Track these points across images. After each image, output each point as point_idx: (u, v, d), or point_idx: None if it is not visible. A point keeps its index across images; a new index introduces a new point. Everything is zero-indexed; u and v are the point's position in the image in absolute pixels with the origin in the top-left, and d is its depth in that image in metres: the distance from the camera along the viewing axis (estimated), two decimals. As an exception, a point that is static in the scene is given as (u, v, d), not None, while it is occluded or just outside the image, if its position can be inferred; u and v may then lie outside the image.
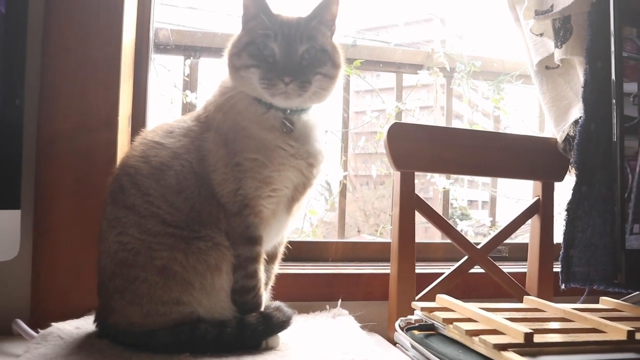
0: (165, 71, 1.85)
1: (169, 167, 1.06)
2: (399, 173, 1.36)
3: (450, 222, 1.50)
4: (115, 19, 1.39)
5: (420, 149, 1.39)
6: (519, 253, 1.73)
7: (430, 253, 1.74)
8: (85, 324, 1.15)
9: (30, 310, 1.30)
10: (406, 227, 1.35)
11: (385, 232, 2.15)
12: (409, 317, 1.19)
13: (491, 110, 2.18)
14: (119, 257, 1.04)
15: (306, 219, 1.94)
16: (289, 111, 1.11)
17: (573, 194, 1.39)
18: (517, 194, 2.06)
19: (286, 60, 1.05)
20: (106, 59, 1.37)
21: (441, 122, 2.14)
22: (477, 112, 2.25)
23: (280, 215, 1.13)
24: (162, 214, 1.04)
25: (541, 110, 2.11)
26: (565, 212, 1.39)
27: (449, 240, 1.48)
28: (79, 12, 1.36)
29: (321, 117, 1.17)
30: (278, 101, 1.08)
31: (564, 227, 1.38)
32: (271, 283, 1.22)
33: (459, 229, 2.05)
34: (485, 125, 2.28)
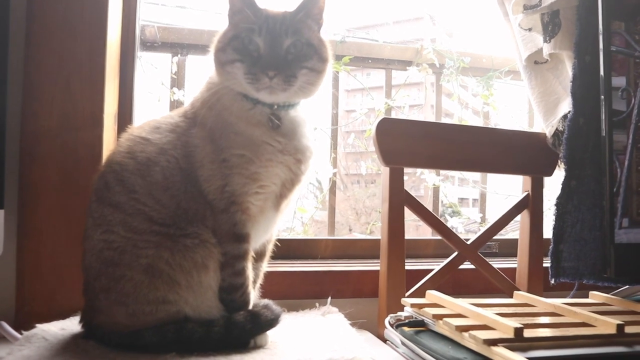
0: (152, 69, 1.83)
1: (155, 163, 1.05)
2: (387, 169, 1.35)
3: (441, 219, 1.49)
4: (99, 16, 1.37)
5: (409, 144, 1.38)
6: (508, 249, 1.74)
7: (420, 249, 1.74)
8: (71, 325, 1.14)
9: (15, 311, 1.28)
10: (395, 223, 1.35)
11: (375, 230, 2.15)
12: (399, 313, 1.18)
13: (480, 106, 2.18)
14: (104, 256, 1.02)
15: (297, 218, 1.94)
16: (276, 107, 1.09)
17: (562, 189, 1.38)
18: (507, 190, 2.06)
19: (270, 54, 1.04)
20: (91, 56, 1.36)
21: (431, 120, 2.14)
22: (466, 109, 2.24)
23: (268, 212, 1.11)
24: (148, 211, 1.02)
25: (530, 106, 2.12)
26: (555, 207, 1.38)
27: (439, 237, 1.47)
28: (63, 9, 1.34)
29: (309, 113, 1.15)
30: (263, 96, 1.06)
31: (554, 222, 1.38)
32: (260, 281, 1.21)
33: (449, 225, 2.05)
34: (475, 122, 2.27)
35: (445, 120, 2.18)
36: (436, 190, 2.03)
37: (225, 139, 1.06)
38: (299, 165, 1.11)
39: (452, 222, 2.15)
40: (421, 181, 2.12)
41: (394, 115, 1.99)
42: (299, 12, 1.09)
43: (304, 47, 1.07)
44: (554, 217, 1.38)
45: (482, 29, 2.33)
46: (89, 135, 1.34)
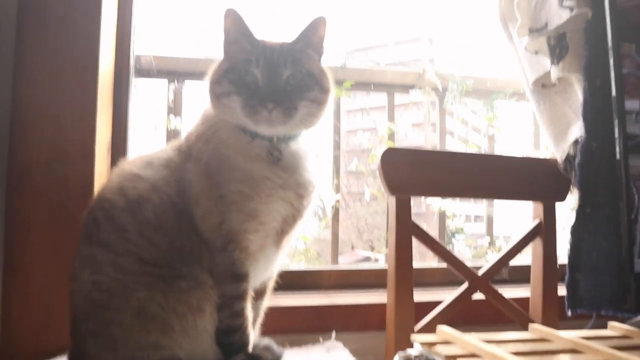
0: (148, 96, 1.79)
1: (147, 200, 0.99)
2: (394, 198, 1.29)
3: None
4: (91, 45, 1.34)
5: (415, 173, 1.33)
6: (519, 274, 1.67)
7: (427, 278, 1.67)
8: (58, 370, 1.07)
9: (0, 352, 1.21)
10: (403, 255, 1.28)
11: (378, 247, 2.09)
12: (408, 350, 1.10)
13: (483, 126, 2.14)
14: (93, 298, 0.96)
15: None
16: (275, 139, 1.03)
17: (577, 217, 1.32)
18: (515, 207, 2.00)
19: (269, 85, 0.98)
20: (82, 85, 1.32)
21: (432, 139, 2.10)
22: (469, 129, 2.21)
23: (269, 250, 1.05)
24: (139, 251, 0.96)
25: (536, 128, 2.09)
26: (570, 235, 1.32)
27: (445, 265, 1.40)
28: (54, 37, 1.31)
29: (311, 144, 1.09)
30: (262, 129, 1.00)
31: (569, 251, 1.32)
32: (260, 320, 1.14)
33: (456, 248, 2.00)
34: (478, 141, 2.24)
35: (447, 138, 2.14)
36: (442, 215, 1.97)
37: (222, 174, 1.00)
38: (301, 200, 1.04)
39: (457, 244, 2.08)
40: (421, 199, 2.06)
41: (396, 135, 1.94)
42: (299, 41, 1.04)
43: (305, 77, 1.01)
44: (568, 245, 1.32)
45: (485, 50, 2.31)
46: (79, 168, 1.30)
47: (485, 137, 2.14)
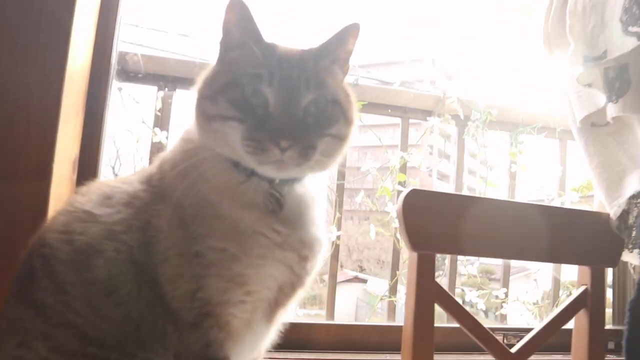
0: (133, 103, 1.56)
1: (98, 252, 0.74)
2: (415, 255, 1.05)
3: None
4: (60, 38, 1.10)
5: (443, 224, 1.08)
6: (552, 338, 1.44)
7: (439, 339, 1.42)
8: None
9: None
10: (422, 327, 1.03)
11: (366, 267, 1.88)
12: None
13: (500, 162, 1.95)
14: (14, 383, 0.71)
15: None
16: (277, 180, 0.79)
17: (638, 289, 1.09)
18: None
19: (284, 114, 0.74)
20: (43, 83, 1.08)
21: (438, 168, 1.90)
22: (484, 164, 2.00)
23: (257, 326, 0.80)
24: (82, 324, 0.72)
25: (565, 169, 1.92)
26: (628, 312, 1.09)
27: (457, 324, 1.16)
28: (15, 23, 1.07)
29: (320, 186, 0.85)
30: (267, 171, 0.76)
31: (626, 332, 1.08)
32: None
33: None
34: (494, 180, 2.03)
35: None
36: (453, 261, 1.75)
37: (202, 224, 0.75)
38: (304, 263, 0.80)
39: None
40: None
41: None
42: (324, 54, 0.80)
43: (329, 105, 0.77)
44: (626, 326, 1.09)
45: (498, 76, 2.12)
46: (31, 189, 1.06)
47: (505, 176, 1.93)
